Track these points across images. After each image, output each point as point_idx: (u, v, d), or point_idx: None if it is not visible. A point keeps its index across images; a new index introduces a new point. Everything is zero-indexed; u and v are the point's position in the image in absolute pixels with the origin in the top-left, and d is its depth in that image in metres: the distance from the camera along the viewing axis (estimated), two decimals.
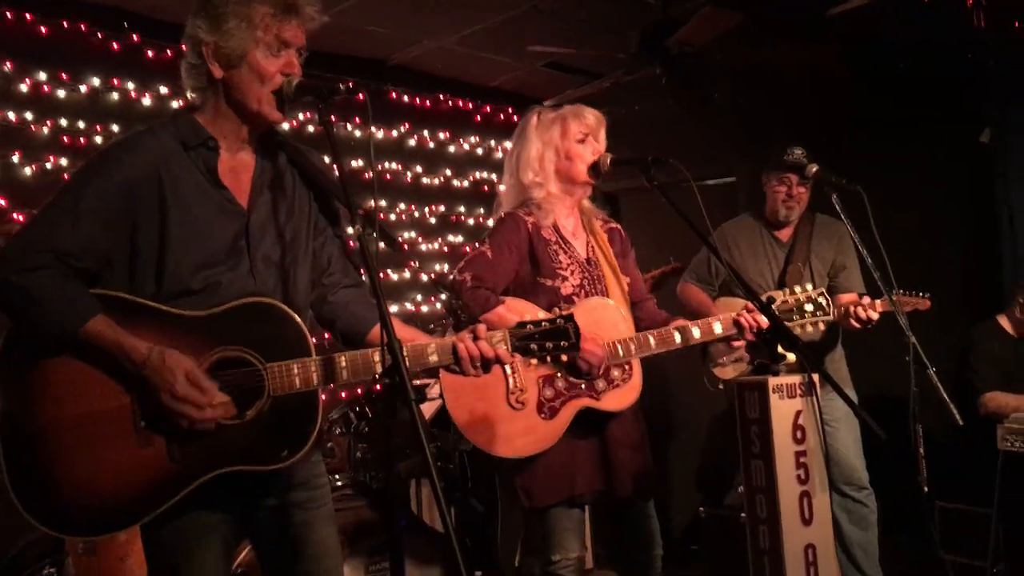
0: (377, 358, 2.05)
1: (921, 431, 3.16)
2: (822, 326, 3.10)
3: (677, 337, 2.92)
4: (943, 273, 4.70)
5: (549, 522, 2.85)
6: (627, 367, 2.91)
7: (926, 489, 3.18)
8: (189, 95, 2.14)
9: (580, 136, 2.95)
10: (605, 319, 2.91)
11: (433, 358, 2.14)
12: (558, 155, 2.96)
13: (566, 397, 2.82)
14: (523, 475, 2.83)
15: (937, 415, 3.16)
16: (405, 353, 2.04)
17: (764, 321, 2.88)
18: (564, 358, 2.61)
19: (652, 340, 2.90)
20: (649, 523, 2.99)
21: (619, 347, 2.86)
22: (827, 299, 3.10)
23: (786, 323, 2.92)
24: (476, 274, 2.83)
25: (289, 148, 2.22)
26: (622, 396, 2.90)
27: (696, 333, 2.94)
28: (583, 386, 2.85)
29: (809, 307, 3.06)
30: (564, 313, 2.24)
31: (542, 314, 2.26)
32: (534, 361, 2.23)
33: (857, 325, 3.57)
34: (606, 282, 3.00)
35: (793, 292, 3.08)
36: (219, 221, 2.06)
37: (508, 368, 2.78)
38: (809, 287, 3.11)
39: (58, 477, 1.93)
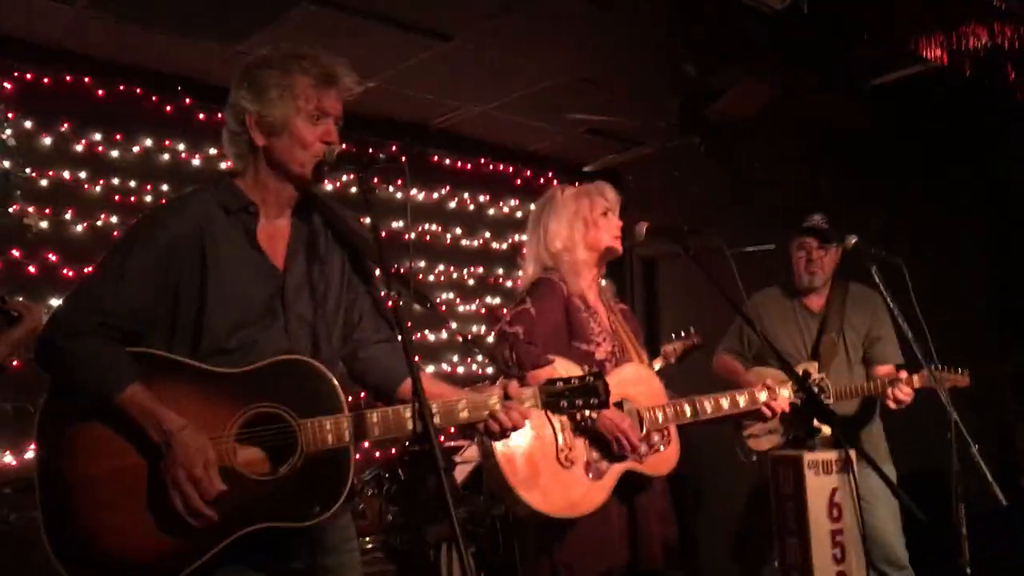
0: (408, 415, 2.06)
1: (964, 510, 3.08)
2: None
3: (708, 406, 3.04)
4: (987, 347, 4.61)
5: None
6: (666, 432, 3.00)
7: (969, 571, 3.08)
8: (232, 165, 2.21)
9: (603, 209, 3.12)
10: (646, 384, 3.01)
11: (464, 415, 2.15)
12: (585, 224, 3.10)
13: (612, 459, 2.86)
14: (561, 550, 2.82)
15: (981, 493, 3.09)
16: (436, 410, 2.07)
17: (786, 406, 3.09)
18: (594, 415, 2.64)
19: (687, 408, 3.01)
20: None
21: (658, 412, 2.96)
22: (828, 384, 3.27)
23: None
24: (526, 329, 2.91)
25: (324, 209, 2.28)
26: (663, 460, 2.98)
27: (725, 404, 3.07)
28: None
29: (814, 389, 3.15)
30: (593, 371, 2.28)
31: (572, 372, 2.28)
32: (565, 418, 2.25)
33: (892, 405, 3.56)
34: (630, 353, 3.10)
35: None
36: (256, 283, 2.12)
37: (558, 424, 2.81)
38: (812, 370, 3.20)
39: (93, 530, 1.95)
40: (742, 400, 3.08)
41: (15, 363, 3.83)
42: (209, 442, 1.96)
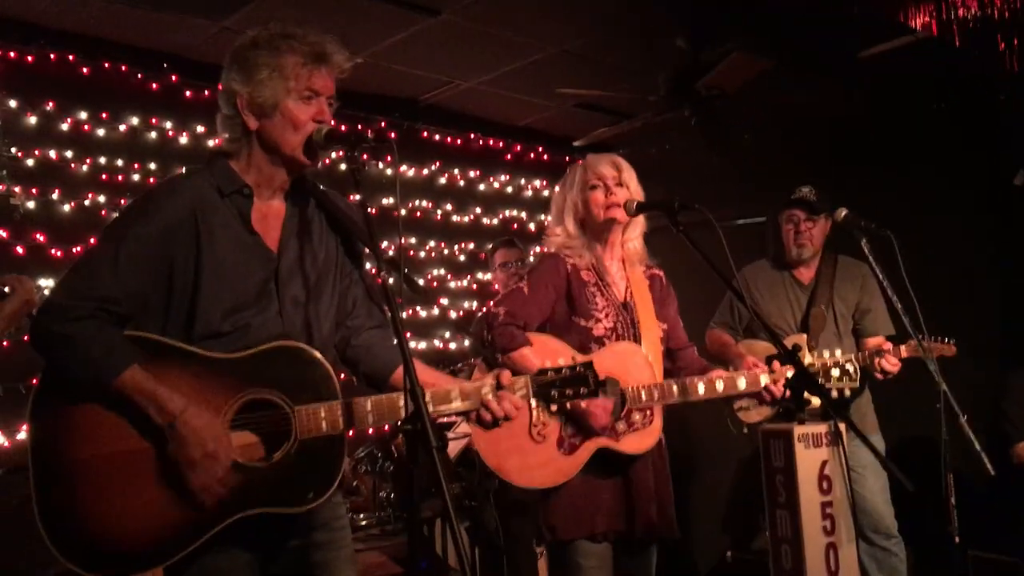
0: (402, 403, 2.06)
1: (952, 480, 3.11)
2: (848, 392, 3.11)
3: (701, 388, 2.97)
4: (975, 318, 4.62)
5: (573, 556, 2.88)
6: (648, 412, 2.97)
7: (957, 539, 3.12)
8: (225, 144, 2.19)
9: (593, 183, 3.09)
10: (631, 363, 2.97)
11: (456, 404, 2.16)
12: (575, 206, 3.11)
13: (586, 436, 2.88)
14: (545, 512, 2.89)
15: (969, 462, 3.11)
16: (428, 398, 2.06)
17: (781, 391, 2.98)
18: (583, 404, 2.65)
19: (675, 388, 2.96)
20: (652, 565, 3.07)
21: (642, 392, 2.92)
22: (855, 366, 3.16)
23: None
24: (510, 309, 2.93)
25: (317, 193, 2.27)
26: (641, 440, 2.95)
27: (720, 386, 2.99)
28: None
29: (835, 372, 3.12)
30: (583, 360, 2.29)
31: (562, 360, 2.29)
32: (554, 407, 2.29)
33: (879, 376, 3.58)
34: (640, 327, 3.05)
35: (821, 356, 3.15)
36: (250, 266, 2.10)
37: (532, 401, 2.81)
38: (838, 352, 3.13)
39: (87, 514, 1.95)
40: (742, 382, 3.00)
41: (5, 343, 3.82)
42: (215, 418, 1.97)
